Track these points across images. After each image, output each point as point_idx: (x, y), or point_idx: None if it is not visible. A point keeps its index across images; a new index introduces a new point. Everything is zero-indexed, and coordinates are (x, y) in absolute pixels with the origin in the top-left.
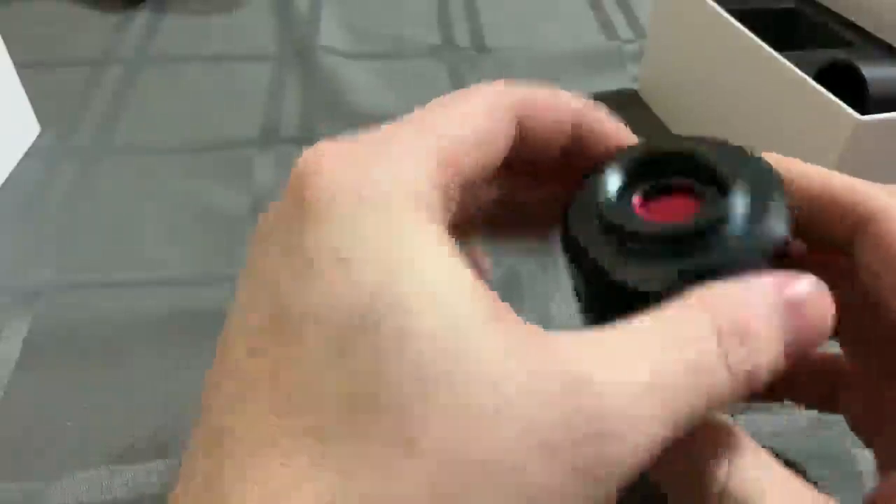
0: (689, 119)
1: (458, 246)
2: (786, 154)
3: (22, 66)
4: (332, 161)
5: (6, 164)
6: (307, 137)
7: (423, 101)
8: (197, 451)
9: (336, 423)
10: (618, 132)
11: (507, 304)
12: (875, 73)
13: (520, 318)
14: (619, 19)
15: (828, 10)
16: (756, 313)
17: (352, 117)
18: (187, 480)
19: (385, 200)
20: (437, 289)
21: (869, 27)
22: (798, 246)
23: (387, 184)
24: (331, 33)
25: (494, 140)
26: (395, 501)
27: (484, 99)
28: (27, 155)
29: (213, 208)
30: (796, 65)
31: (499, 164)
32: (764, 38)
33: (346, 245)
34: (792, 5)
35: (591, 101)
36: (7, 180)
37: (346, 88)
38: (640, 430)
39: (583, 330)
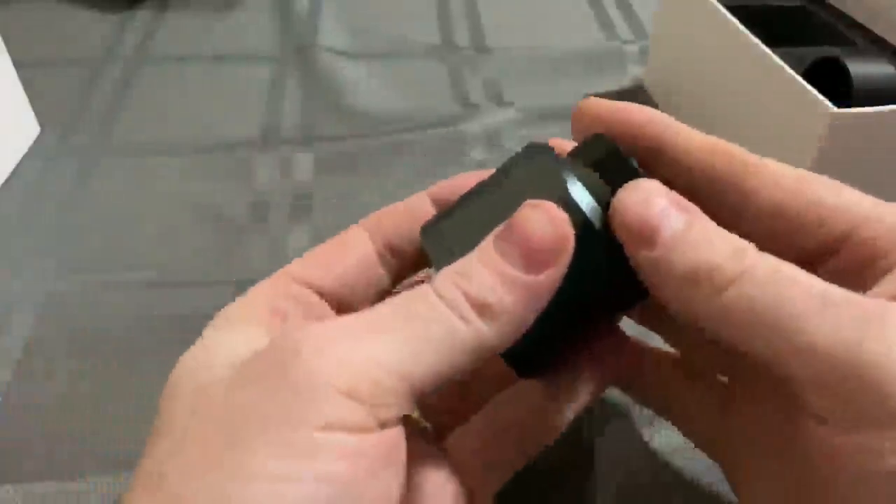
0: (693, 115)
1: None
2: (767, 147)
3: (22, 66)
4: (318, 347)
5: (6, 164)
6: (307, 137)
7: (423, 101)
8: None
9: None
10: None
11: None
12: (861, 68)
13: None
14: (619, 19)
15: (837, 11)
16: (470, 263)
17: (352, 117)
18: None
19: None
20: None
21: (876, 28)
22: None
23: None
24: (331, 33)
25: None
26: None
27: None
28: (27, 155)
29: (213, 209)
30: (789, 60)
31: None
32: (773, 37)
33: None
34: (798, 3)
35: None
36: (7, 180)
37: (346, 88)
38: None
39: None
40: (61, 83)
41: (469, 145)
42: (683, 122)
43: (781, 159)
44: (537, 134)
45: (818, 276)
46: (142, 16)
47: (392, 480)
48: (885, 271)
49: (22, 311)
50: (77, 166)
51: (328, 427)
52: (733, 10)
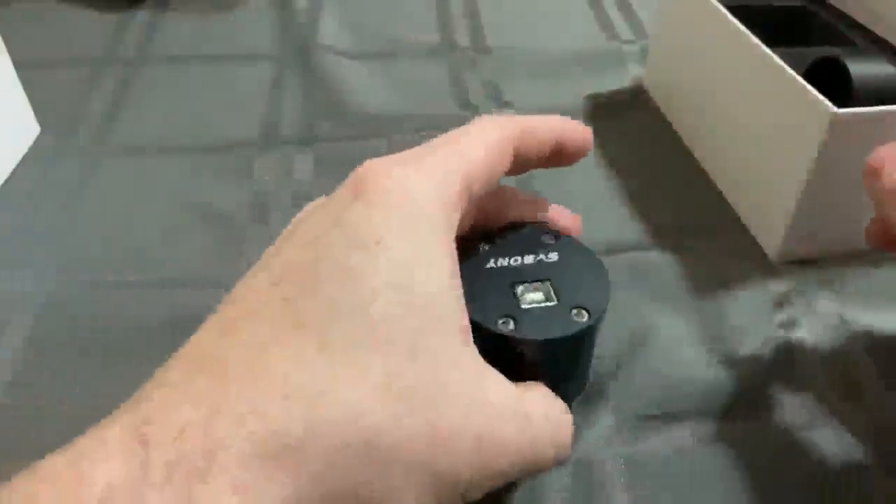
0: (693, 115)
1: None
2: (767, 147)
3: (22, 66)
4: (385, 174)
5: (6, 164)
6: (307, 137)
7: (423, 101)
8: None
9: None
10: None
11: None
12: (861, 68)
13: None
14: (619, 19)
15: (838, 11)
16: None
17: (352, 117)
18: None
19: (423, 213)
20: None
21: (876, 29)
22: None
23: (423, 199)
24: (331, 33)
25: (500, 166)
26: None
27: (495, 132)
28: (27, 155)
29: (213, 208)
30: (789, 60)
31: (495, 185)
32: (773, 37)
33: (388, 237)
34: (799, 3)
35: (567, 119)
36: (7, 180)
37: (346, 88)
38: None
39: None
40: (61, 83)
41: None
42: (683, 121)
43: (782, 159)
44: None
45: None
46: (142, 16)
47: None
48: None
49: (22, 311)
50: (77, 166)
51: None
52: (733, 10)
